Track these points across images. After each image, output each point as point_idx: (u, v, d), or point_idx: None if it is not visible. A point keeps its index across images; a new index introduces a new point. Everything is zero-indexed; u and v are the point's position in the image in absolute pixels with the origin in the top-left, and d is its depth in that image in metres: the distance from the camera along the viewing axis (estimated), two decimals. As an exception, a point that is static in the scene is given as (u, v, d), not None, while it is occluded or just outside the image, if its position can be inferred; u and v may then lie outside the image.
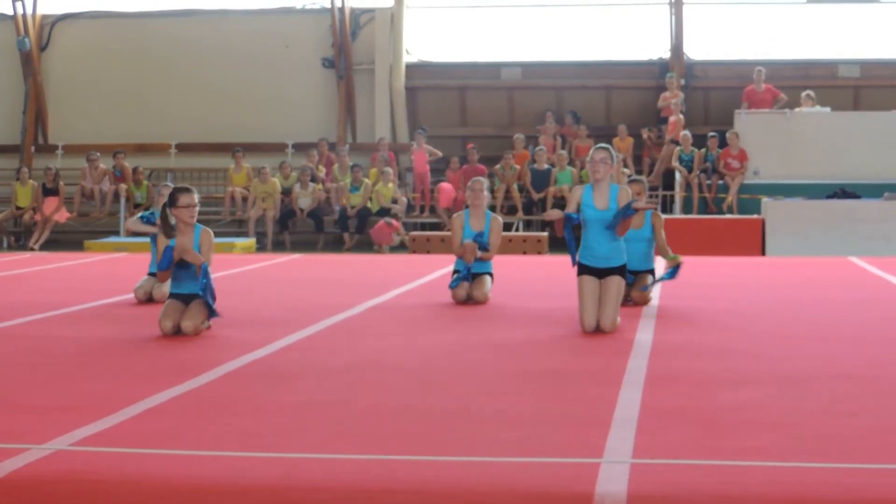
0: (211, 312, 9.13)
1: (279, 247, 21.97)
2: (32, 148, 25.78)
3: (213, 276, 9.34)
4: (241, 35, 25.30)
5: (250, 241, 20.86)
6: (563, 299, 10.61)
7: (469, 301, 11.08)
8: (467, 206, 11.49)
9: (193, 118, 25.21)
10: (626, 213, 9.15)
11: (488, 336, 9.14)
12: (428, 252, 18.83)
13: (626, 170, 22.08)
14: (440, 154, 22.92)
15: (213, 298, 9.13)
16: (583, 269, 9.29)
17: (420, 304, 11.14)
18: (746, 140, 21.80)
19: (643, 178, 11.25)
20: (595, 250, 9.23)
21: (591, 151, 9.39)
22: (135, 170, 23.22)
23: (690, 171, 21.85)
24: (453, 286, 11.08)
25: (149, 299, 11.19)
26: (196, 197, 9.27)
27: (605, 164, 9.20)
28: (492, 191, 22.55)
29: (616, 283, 9.21)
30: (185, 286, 9.19)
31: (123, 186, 22.94)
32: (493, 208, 22.14)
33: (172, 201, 9.21)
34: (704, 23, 24.76)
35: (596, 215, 9.19)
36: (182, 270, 9.17)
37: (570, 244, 9.28)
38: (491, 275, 11.31)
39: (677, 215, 21.28)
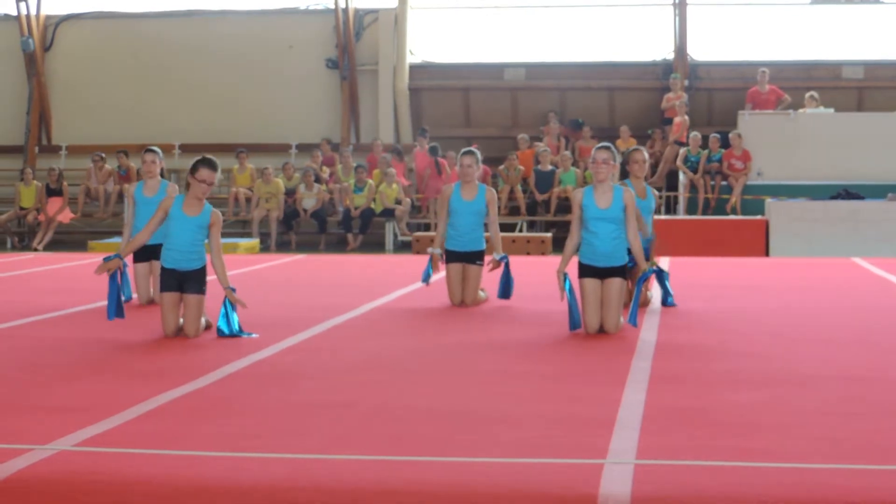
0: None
1: (283, 247, 21.98)
2: (36, 148, 25.81)
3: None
4: (244, 36, 25.33)
5: (254, 242, 20.87)
6: (566, 300, 10.57)
7: (462, 304, 11.08)
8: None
9: (197, 119, 25.23)
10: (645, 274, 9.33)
11: (491, 337, 9.14)
12: (431, 253, 18.80)
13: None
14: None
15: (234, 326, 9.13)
16: (584, 271, 9.27)
17: (423, 305, 11.14)
18: (750, 141, 21.81)
19: (643, 147, 11.17)
20: (597, 248, 9.20)
21: (593, 152, 9.35)
22: (138, 170, 23.23)
23: (695, 171, 21.86)
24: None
25: (150, 301, 11.16)
26: (216, 175, 9.09)
27: (607, 165, 9.17)
28: (495, 191, 22.56)
29: (618, 285, 9.19)
30: (180, 261, 9.12)
31: (127, 186, 22.90)
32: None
33: (193, 170, 9.12)
34: (708, 24, 24.77)
35: (598, 214, 9.15)
36: (178, 240, 9.08)
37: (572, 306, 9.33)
38: (481, 261, 11.25)
39: (681, 216, 21.30)
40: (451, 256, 11.15)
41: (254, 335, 9.03)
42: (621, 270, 9.25)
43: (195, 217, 9.05)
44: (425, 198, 22.73)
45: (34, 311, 10.69)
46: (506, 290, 11.15)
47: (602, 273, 9.20)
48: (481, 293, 11.26)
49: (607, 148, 9.29)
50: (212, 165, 9.08)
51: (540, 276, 13.60)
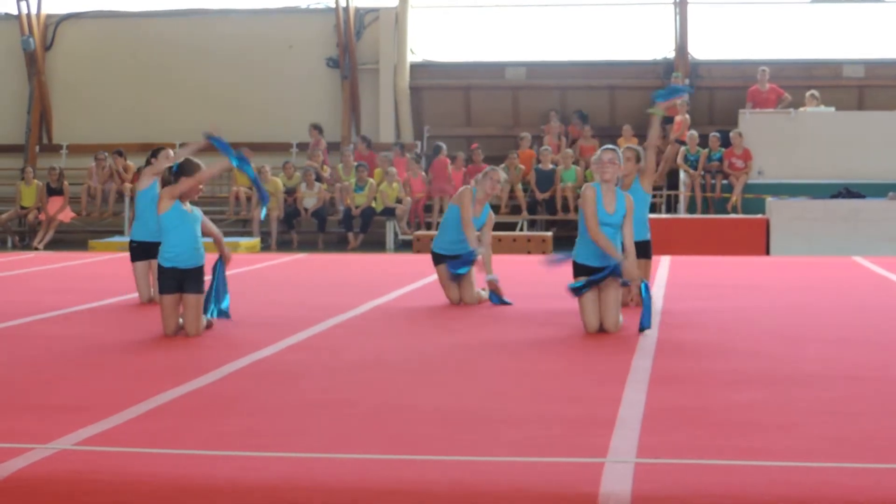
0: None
1: (284, 246, 21.98)
2: (37, 148, 25.80)
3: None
4: (245, 35, 25.31)
5: (255, 241, 20.87)
6: (566, 299, 10.58)
7: (461, 302, 11.07)
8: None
9: (197, 118, 25.10)
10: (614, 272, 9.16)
11: (492, 336, 9.14)
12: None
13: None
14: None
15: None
16: (580, 270, 9.25)
17: (423, 305, 11.14)
18: (750, 140, 21.80)
19: (638, 147, 11.13)
20: (594, 250, 9.18)
21: (598, 152, 9.34)
22: (139, 169, 23.17)
23: (695, 170, 21.88)
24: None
25: (150, 300, 11.15)
26: None
27: (613, 165, 9.17)
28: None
29: (615, 283, 9.18)
30: (184, 259, 9.10)
31: (128, 186, 22.92)
32: (497, 207, 22.19)
33: (191, 171, 9.18)
34: (709, 22, 24.75)
35: (604, 219, 9.13)
36: (183, 236, 9.09)
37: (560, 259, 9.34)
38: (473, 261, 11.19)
39: (682, 215, 21.30)
40: (438, 258, 11.16)
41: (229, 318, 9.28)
42: (618, 269, 9.23)
43: (191, 213, 9.12)
44: (429, 195, 22.65)
45: (35, 310, 10.69)
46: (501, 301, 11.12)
47: (598, 272, 9.19)
48: (482, 292, 11.24)
49: (613, 149, 9.31)
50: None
51: (540, 276, 13.59)
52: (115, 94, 25.59)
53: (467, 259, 10.91)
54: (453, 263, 10.98)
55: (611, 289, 9.14)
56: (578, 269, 9.24)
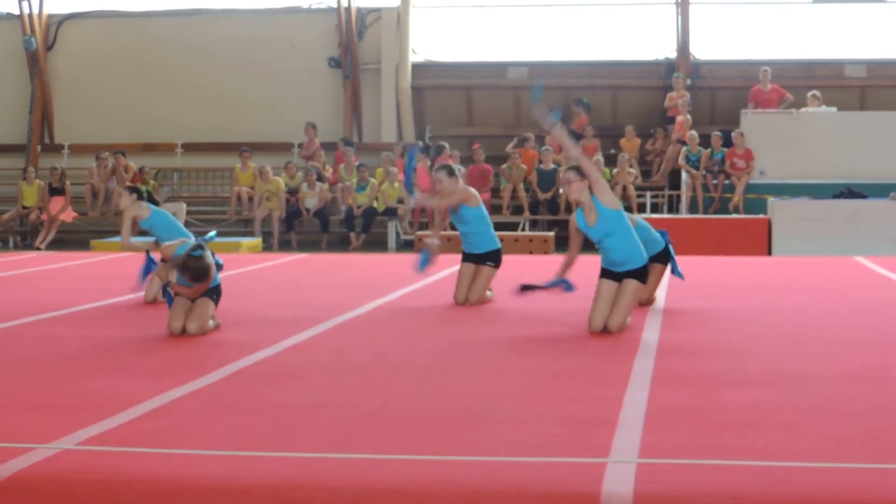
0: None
1: (285, 246, 21.98)
2: (38, 147, 25.83)
3: (220, 275, 9.37)
4: (247, 34, 25.34)
5: (256, 241, 20.87)
6: (568, 299, 10.58)
7: (466, 303, 11.06)
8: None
9: (199, 118, 25.23)
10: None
11: (493, 336, 9.13)
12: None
13: (631, 170, 22.11)
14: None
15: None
16: (603, 273, 9.33)
17: (425, 305, 11.13)
18: (752, 140, 21.81)
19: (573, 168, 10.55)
20: (611, 258, 9.27)
21: (561, 173, 9.35)
22: (140, 169, 23.21)
23: (696, 170, 21.89)
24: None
25: (154, 299, 11.16)
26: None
27: (571, 184, 9.17)
28: (497, 190, 22.62)
29: (632, 287, 9.19)
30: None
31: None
32: (498, 208, 22.23)
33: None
34: (710, 23, 24.78)
35: (594, 234, 9.23)
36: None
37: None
38: (496, 262, 11.23)
39: (683, 215, 21.30)
40: (468, 258, 11.19)
41: None
42: (638, 272, 9.25)
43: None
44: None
45: (36, 310, 10.69)
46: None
47: (620, 276, 9.25)
48: (489, 293, 11.26)
49: (571, 168, 9.30)
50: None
51: (542, 276, 13.57)
52: (117, 94, 25.61)
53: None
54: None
55: (627, 290, 9.17)
56: (602, 272, 9.31)
